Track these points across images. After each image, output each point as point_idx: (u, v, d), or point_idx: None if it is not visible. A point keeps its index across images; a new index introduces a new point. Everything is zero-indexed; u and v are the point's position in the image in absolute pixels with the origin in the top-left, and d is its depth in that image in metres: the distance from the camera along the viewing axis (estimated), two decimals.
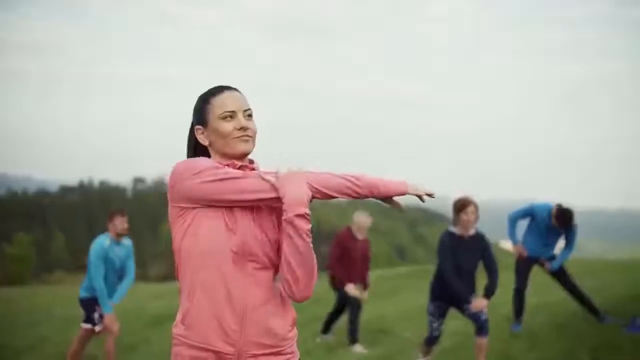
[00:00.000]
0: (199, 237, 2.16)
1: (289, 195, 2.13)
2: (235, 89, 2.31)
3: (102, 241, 6.38)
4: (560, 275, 7.20)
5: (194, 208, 2.18)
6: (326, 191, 2.22)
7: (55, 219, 64.56)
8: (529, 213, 7.19)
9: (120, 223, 6.44)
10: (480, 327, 5.54)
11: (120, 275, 6.57)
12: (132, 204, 62.99)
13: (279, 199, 2.17)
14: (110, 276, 6.44)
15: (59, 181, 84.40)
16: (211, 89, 2.33)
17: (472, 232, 5.65)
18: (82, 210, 66.89)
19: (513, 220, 7.22)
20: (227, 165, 2.24)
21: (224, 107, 2.25)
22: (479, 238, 5.68)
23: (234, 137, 2.24)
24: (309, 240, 2.16)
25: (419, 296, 11.64)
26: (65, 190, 75.65)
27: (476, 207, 5.58)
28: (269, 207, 2.26)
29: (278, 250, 2.24)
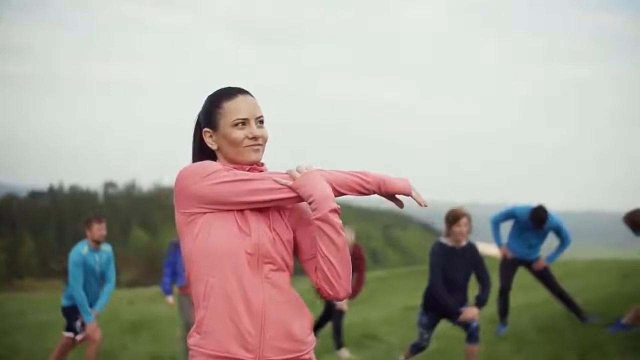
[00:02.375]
0: (211, 242, 2.09)
1: (317, 194, 2.08)
2: (247, 93, 2.23)
3: (80, 249, 6.24)
4: (545, 276, 7.23)
5: (204, 213, 2.10)
6: (339, 188, 2.18)
7: (25, 224, 63.55)
8: (511, 215, 7.21)
9: (97, 230, 6.29)
10: (471, 334, 5.49)
11: (102, 282, 6.43)
12: (103, 209, 62.27)
13: (293, 199, 2.13)
14: (91, 284, 6.30)
15: (27, 186, 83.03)
16: (223, 90, 2.24)
17: (463, 243, 5.59)
18: (52, 215, 65.94)
19: (495, 223, 7.23)
20: (235, 168, 2.17)
21: (236, 113, 2.17)
22: (471, 249, 5.61)
23: (246, 146, 2.17)
24: (344, 234, 2.12)
25: (398, 299, 11.67)
26: (35, 195, 74.52)
27: (469, 218, 5.51)
28: (279, 208, 2.20)
29: (291, 251, 2.20)
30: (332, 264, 2.11)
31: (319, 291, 2.19)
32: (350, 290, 2.19)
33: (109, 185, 76.27)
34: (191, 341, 2.15)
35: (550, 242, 7.29)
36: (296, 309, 2.17)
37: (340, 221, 2.11)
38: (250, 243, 2.09)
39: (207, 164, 2.14)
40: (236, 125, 2.16)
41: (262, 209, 2.15)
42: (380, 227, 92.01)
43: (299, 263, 2.27)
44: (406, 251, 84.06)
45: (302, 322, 2.18)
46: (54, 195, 73.18)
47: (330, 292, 2.15)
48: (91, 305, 6.30)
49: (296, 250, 2.23)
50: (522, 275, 7.66)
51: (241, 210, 2.12)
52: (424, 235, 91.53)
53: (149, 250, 56.19)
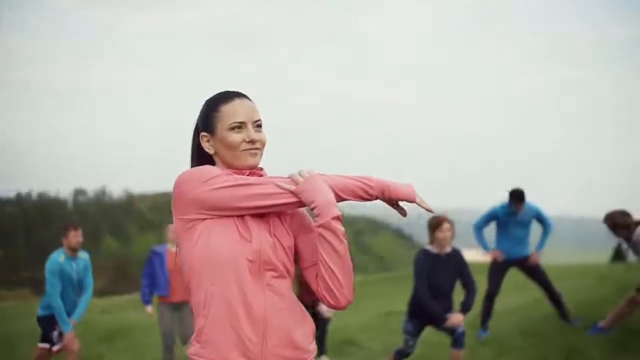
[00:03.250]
0: (212, 248, 2.03)
1: (320, 200, 2.04)
2: (245, 96, 2.19)
3: (57, 257, 6.12)
4: (538, 274, 7.25)
5: (204, 219, 2.05)
6: (341, 194, 2.13)
7: None
8: (492, 216, 7.25)
9: (74, 237, 6.19)
10: (456, 339, 5.48)
11: (79, 290, 6.30)
12: (73, 217, 61.42)
13: (295, 204, 2.09)
14: (69, 293, 6.17)
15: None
16: (220, 94, 2.20)
17: (448, 249, 5.59)
18: (19, 223, 64.86)
19: (479, 228, 7.26)
20: (234, 173, 2.12)
21: (233, 117, 2.13)
22: (456, 255, 5.62)
23: (243, 150, 2.12)
24: (346, 242, 2.08)
25: (375, 305, 11.64)
26: (2, 202, 73.26)
27: (451, 224, 5.52)
28: (279, 214, 2.16)
29: (291, 257, 2.16)
30: (333, 272, 2.06)
31: (319, 299, 2.15)
32: (352, 299, 2.14)
33: (78, 192, 75.36)
34: (191, 350, 2.09)
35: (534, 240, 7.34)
36: (298, 317, 2.13)
37: (342, 228, 2.07)
38: (251, 249, 2.05)
39: (207, 168, 2.09)
40: (233, 128, 2.12)
41: (263, 215, 2.10)
42: (350, 232, 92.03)
43: (299, 270, 2.23)
44: (378, 257, 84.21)
45: (304, 330, 2.14)
46: (21, 202, 72.06)
47: (332, 301, 2.11)
48: (69, 314, 6.18)
49: (296, 257, 2.19)
50: (507, 278, 7.68)
51: (241, 216, 2.07)
52: (395, 241, 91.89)
53: (119, 258, 55.51)
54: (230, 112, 2.13)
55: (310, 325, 2.17)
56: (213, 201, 2.03)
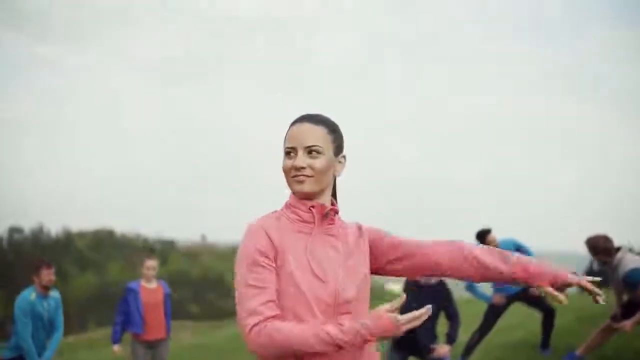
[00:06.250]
0: (284, 289, 1.91)
1: None
2: (308, 119, 2.04)
3: (27, 295, 5.91)
4: (541, 303, 7.29)
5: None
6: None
7: None
8: None
9: (46, 275, 5.99)
10: None
11: (50, 330, 6.06)
12: (8, 255, 59.21)
13: None
14: (39, 332, 5.94)
15: None
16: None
17: (433, 280, 5.59)
18: None
19: (471, 287, 7.27)
20: (310, 208, 2.03)
21: (286, 142, 2.03)
22: (441, 286, 5.63)
23: (292, 177, 2.00)
24: None
25: None
26: None
27: None
28: (359, 247, 2.07)
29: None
30: None
31: None
32: None
33: (14, 230, 72.81)
34: None
35: None
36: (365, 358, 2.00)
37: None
38: (327, 291, 1.92)
39: (243, 247, 1.95)
40: (287, 154, 2.03)
41: (343, 253, 2.01)
42: None
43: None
44: None
45: None
46: None
47: None
48: (38, 354, 5.94)
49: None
50: (472, 308, 7.71)
51: (314, 255, 1.96)
52: None
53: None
54: (287, 138, 2.04)
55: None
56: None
